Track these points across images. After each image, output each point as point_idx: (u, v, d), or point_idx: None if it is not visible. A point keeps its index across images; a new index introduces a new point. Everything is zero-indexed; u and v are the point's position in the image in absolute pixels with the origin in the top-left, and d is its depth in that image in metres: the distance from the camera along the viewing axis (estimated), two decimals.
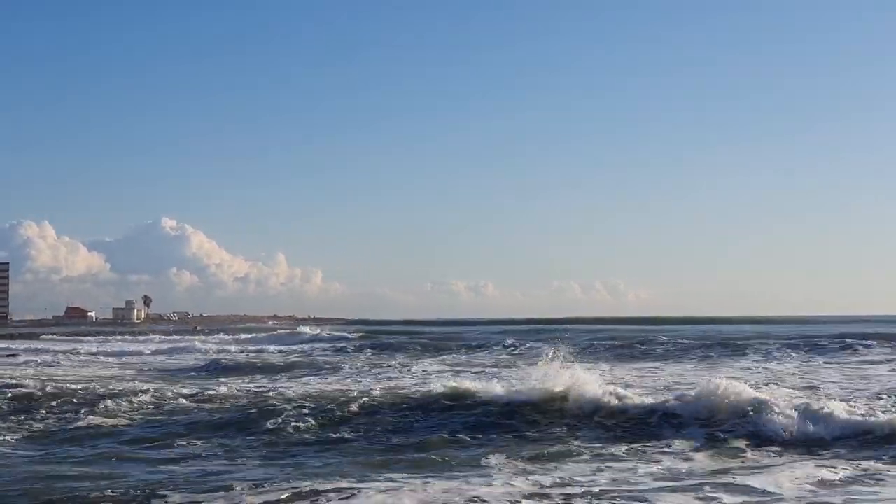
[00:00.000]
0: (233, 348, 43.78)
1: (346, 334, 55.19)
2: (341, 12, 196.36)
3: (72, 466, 10.60)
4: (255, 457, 11.29)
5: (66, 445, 12.43)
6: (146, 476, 9.87)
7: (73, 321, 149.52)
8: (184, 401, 16.54)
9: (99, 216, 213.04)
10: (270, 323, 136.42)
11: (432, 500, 8.36)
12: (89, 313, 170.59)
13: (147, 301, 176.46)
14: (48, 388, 18.36)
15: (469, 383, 16.39)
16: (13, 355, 39.21)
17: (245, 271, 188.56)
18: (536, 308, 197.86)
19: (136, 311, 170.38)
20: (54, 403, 16.30)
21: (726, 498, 8.45)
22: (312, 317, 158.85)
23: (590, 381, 14.86)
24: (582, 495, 8.56)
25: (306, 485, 8.97)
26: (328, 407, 14.66)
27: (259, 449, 11.90)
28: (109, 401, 16.25)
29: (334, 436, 12.72)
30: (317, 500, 8.44)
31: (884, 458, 10.25)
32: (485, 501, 8.36)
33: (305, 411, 14.33)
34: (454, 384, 16.40)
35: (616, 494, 8.60)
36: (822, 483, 9.08)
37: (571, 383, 14.71)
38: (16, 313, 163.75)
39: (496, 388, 15.58)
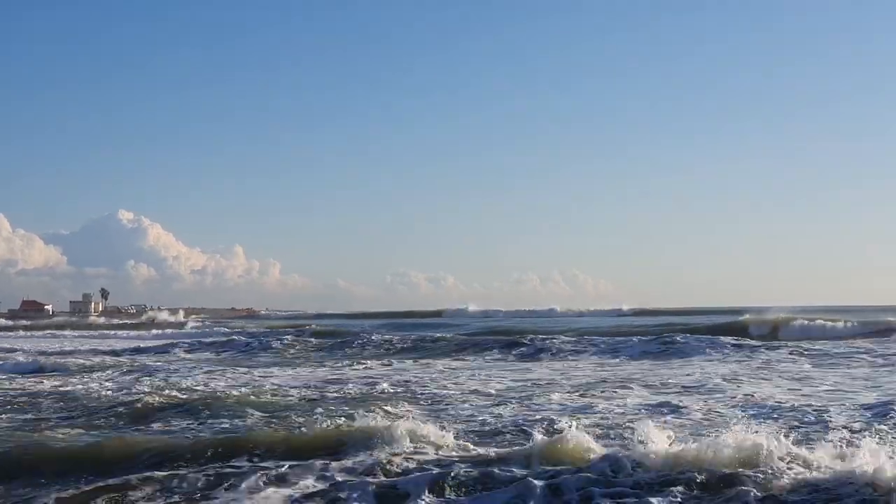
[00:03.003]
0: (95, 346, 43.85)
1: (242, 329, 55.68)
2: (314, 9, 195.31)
3: None
4: None
5: None
6: None
7: (29, 314, 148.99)
8: None
9: (55, 209, 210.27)
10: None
11: None
12: (46, 307, 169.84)
13: (105, 294, 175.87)
14: None
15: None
16: None
17: (202, 264, 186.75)
18: (499, 300, 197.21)
19: (93, 304, 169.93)
20: None
21: None
22: (269, 309, 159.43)
23: None
24: None
25: None
26: None
27: None
28: None
29: None
30: None
31: None
32: None
33: None
34: None
35: None
36: None
37: None
38: None
39: None
